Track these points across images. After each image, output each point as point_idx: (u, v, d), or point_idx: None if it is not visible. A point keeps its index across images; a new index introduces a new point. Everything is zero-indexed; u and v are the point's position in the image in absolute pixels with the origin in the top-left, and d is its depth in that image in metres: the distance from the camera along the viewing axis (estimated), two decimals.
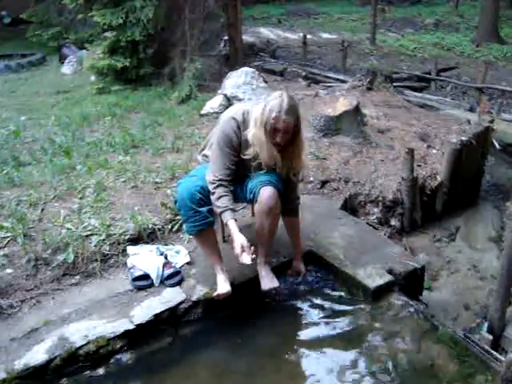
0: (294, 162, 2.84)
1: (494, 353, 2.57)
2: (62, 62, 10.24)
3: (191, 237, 3.34)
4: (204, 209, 2.73)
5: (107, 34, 7.42)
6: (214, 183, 2.74)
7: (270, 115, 2.62)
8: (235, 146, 2.78)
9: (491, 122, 5.33)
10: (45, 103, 7.30)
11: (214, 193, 2.73)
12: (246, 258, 2.62)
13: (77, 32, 10.86)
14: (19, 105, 7.24)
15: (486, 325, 2.94)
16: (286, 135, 2.69)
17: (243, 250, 2.63)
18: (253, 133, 2.72)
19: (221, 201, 2.71)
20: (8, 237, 3.27)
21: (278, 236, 3.05)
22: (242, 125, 2.78)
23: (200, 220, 2.75)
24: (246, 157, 2.78)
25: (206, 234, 2.86)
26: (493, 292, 2.98)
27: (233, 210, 2.73)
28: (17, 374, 2.41)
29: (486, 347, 2.62)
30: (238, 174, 2.90)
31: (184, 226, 2.93)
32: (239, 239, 2.65)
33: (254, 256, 2.66)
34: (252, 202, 2.86)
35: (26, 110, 6.85)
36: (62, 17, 11.04)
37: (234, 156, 2.79)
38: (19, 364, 2.45)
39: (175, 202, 2.89)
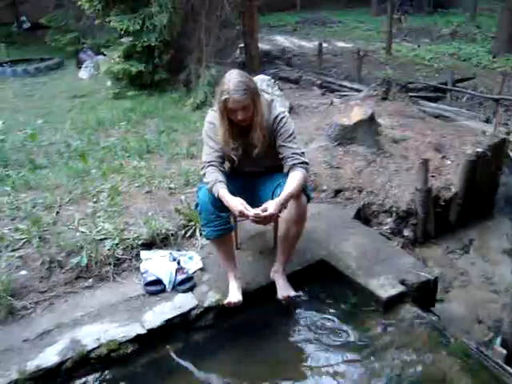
0: (260, 129, 2.77)
1: (508, 368, 2.54)
2: (79, 67, 10.34)
3: (205, 243, 3.36)
4: (225, 214, 2.74)
5: (124, 39, 7.50)
6: (203, 167, 2.78)
7: (221, 98, 2.64)
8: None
9: (507, 133, 5.29)
10: (61, 107, 7.39)
11: (204, 173, 2.75)
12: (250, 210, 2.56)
13: (94, 37, 10.98)
14: (36, 108, 7.33)
15: (499, 339, 2.90)
16: (245, 111, 2.67)
17: (245, 208, 2.55)
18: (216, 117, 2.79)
19: (211, 176, 2.70)
20: (23, 239, 3.31)
21: None
22: None
23: (221, 225, 2.77)
24: (230, 154, 2.83)
25: (224, 239, 2.88)
26: (506, 306, 2.95)
27: (224, 183, 2.68)
28: (29, 375, 2.43)
29: (500, 362, 2.59)
30: (246, 173, 2.98)
31: (203, 230, 2.91)
32: (237, 199, 2.59)
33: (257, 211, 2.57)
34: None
35: (43, 113, 6.93)
36: (80, 22, 11.15)
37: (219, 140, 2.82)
38: (31, 365, 2.47)
39: (196, 205, 2.88)
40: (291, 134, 2.85)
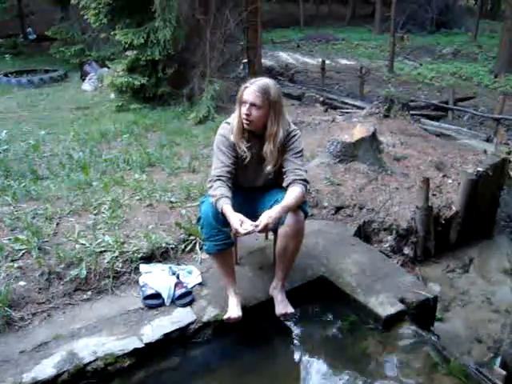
0: (273, 145, 2.81)
1: None
2: (83, 79, 10.42)
3: (205, 257, 3.36)
4: (227, 229, 2.73)
5: (128, 52, 7.56)
6: (211, 180, 2.79)
7: (242, 87, 2.79)
8: (231, 144, 2.84)
9: (508, 153, 5.31)
10: (64, 119, 7.43)
11: (211, 186, 2.76)
12: (246, 225, 2.56)
13: (99, 50, 11.06)
14: (40, 119, 7.37)
15: (498, 359, 2.88)
16: (252, 108, 2.73)
17: (242, 222, 2.57)
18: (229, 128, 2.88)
19: (217, 190, 2.71)
20: (23, 249, 3.30)
21: None
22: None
23: (222, 240, 2.77)
24: (240, 151, 2.84)
25: (224, 254, 2.87)
26: (506, 326, 2.93)
27: (229, 199, 2.69)
28: None
29: (499, 383, 2.57)
30: (246, 188, 2.99)
31: (204, 244, 2.91)
32: (237, 215, 2.59)
33: (252, 227, 2.58)
34: (277, 224, 2.81)
35: (46, 124, 6.96)
36: (86, 35, 11.24)
37: (231, 154, 2.84)
38: (27, 377, 2.45)
39: (198, 218, 2.90)
40: (299, 151, 2.90)
